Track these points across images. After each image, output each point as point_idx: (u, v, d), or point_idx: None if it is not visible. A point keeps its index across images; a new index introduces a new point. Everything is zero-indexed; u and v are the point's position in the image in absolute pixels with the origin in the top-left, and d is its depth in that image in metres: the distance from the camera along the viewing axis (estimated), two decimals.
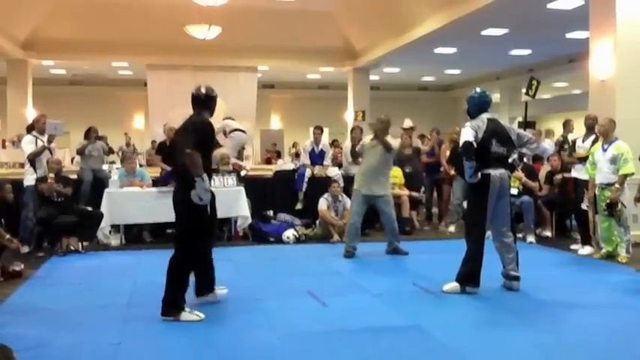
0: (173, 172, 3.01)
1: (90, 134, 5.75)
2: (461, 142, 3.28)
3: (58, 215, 4.56)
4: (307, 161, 6.05)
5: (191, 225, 2.83)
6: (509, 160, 3.38)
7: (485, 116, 3.30)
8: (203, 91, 2.99)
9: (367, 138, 4.61)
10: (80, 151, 5.59)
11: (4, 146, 9.58)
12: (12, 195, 4.32)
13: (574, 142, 4.81)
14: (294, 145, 11.11)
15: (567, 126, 5.97)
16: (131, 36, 9.60)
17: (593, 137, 4.50)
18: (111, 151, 5.95)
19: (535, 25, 7.99)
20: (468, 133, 3.20)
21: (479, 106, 3.34)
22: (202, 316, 2.81)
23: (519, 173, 5.00)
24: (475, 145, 3.17)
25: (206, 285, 3.07)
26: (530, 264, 3.60)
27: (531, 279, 3.43)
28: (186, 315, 2.80)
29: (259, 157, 12.56)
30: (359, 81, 11.53)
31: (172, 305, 2.80)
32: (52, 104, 11.17)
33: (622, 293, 3.46)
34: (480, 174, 3.22)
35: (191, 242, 2.85)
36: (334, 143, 8.42)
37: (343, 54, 11.03)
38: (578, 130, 5.76)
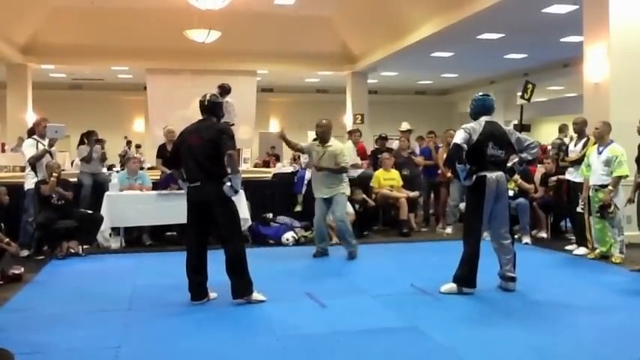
0: (193, 172, 3.18)
1: (90, 138, 5.77)
2: (451, 145, 3.32)
3: (57, 220, 4.57)
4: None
5: (235, 211, 3.16)
6: (509, 164, 3.41)
7: (483, 119, 3.33)
8: (208, 97, 3.21)
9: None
10: (89, 159, 5.51)
11: (3, 150, 9.58)
12: (7, 198, 4.32)
13: (567, 146, 4.88)
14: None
15: (564, 130, 6.04)
16: (131, 40, 9.65)
17: (584, 141, 4.56)
18: (103, 157, 5.91)
19: (530, 30, 8.08)
20: (459, 136, 3.23)
21: (479, 108, 3.37)
22: (266, 298, 3.12)
23: (515, 175, 5.05)
24: (466, 147, 3.20)
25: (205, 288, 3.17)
26: (525, 265, 3.64)
27: (527, 280, 3.48)
28: (255, 295, 3.11)
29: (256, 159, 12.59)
30: (357, 85, 11.61)
31: (248, 286, 3.08)
32: (52, 108, 11.16)
33: (616, 293, 3.51)
34: (475, 176, 3.25)
35: (240, 227, 3.21)
36: None
37: (341, 58, 11.11)
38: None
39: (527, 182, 5.26)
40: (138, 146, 10.87)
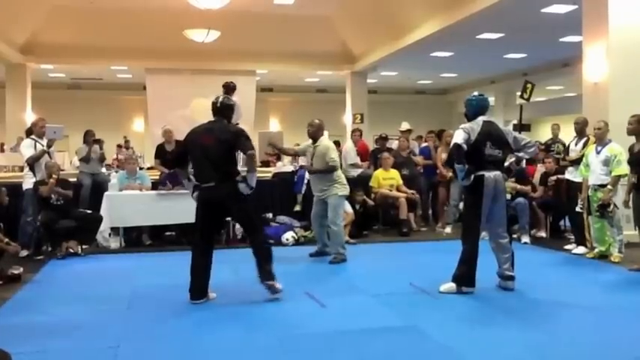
0: (207, 172, 3.20)
1: (87, 137, 5.77)
2: (451, 145, 3.33)
3: (58, 220, 4.57)
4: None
5: (250, 207, 3.26)
6: (506, 164, 3.41)
7: (481, 119, 3.34)
8: (220, 99, 3.27)
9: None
10: (87, 159, 5.54)
11: (2, 150, 9.57)
12: (7, 198, 4.31)
13: (568, 145, 4.88)
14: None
15: (554, 129, 6.08)
16: (130, 40, 9.65)
17: (584, 140, 4.57)
18: (102, 158, 5.94)
19: (529, 30, 8.09)
20: (458, 136, 3.24)
21: (476, 109, 3.38)
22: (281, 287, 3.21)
23: (513, 184, 5.02)
24: (465, 147, 3.21)
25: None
26: (525, 264, 3.65)
27: (526, 279, 3.48)
28: (277, 283, 3.19)
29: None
30: (357, 84, 11.62)
31: (272, 273, 3.18)
32: (51, 108, 11.18)
33: (615, 292, 3.53)
34: (473, 176, 3.26)
35: (259, 220, 3.26)
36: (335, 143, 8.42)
37: (341, 58, 11.11)
38: (566, 132, 5.86)
39: (523, 182, 5.26)
40: (119, 146, 10.83)
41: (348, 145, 6.50)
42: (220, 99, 3.26)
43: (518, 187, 5.11)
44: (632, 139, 4.07)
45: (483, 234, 3.52)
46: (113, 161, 8.84)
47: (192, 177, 3.27)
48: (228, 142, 3.12)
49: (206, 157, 3.12)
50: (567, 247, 4.76)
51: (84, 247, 4.71)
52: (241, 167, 3.39)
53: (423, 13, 8.03)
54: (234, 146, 3.15)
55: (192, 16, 8.25)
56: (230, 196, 3.11)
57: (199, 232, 3.20)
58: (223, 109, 3.23)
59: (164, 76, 10.34)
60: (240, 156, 3.46)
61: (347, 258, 4.29)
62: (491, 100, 13.23)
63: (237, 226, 5.18)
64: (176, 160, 3.49)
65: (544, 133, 12.39)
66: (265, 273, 3.17)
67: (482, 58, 10.45)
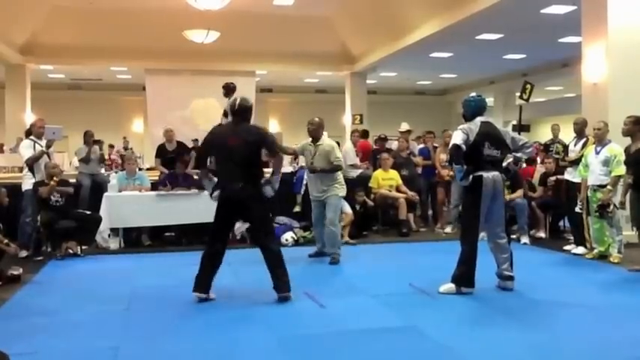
0: (227, 173, 3.22)
1: (87, 138, 5.79)
2: (449, 146, 3.34)
3: (58, 220, 4.57)
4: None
5: (267, 212, 3.31)
6: (504, 164, 3.43)
7: (479, 119, 3.35)
8: (239, 102, 3.27)
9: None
10: (87, 159, 5.58)
11: (2, 151, 9.58)
12: (6, 199, 4.31)
13: (567, 145, 4.89)
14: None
15: (554, 130, 6.09)
16: (130, 40, 9.66)
17: (583, 140, 4.58)
18: (102, 159, 5.98)
19: (529, 30, 8.11)
20: (457, 137, 3.25)
21: (474, 109, 3.39)
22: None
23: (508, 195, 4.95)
24: (464, 148, 3.22)
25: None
26: (524, 264, 3.65)
27: (525, 279, 3.48)
28: (290, 294, 3.20)
29: None
30: (356, 85, 11.64)
31: (287, 282, 3.16)
32: (51, 109, 11.19)
33: (614, 293, 3.53)
34: (471, 177, 3.27)
35: (272, 224, 3.36)
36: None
37: (340, 58, 11.13)
38: (566, 132, 5.87)
39: (517, 184, 5.21)
40: (111, 146, 10.86)
41: (348, 146, 6.51)
42: (238, 101, 3.26)
43: (507, 198, 5.03)
44: (630, 140, 4.07)
45: (482, 234, 3.52)
46: (106, 161, 8.88)
47: (211, 176, 3.30)
48: (256, 144, 3.18)
49: (231, 158, 3.14)
50: (566, 247, 4.76)
51: (83, 247, 4.71)
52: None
53: (423, 14, 8.04)
54: (260, 147, 3.20)
55: (191, 17, 8.27)
56: (254, 197, 3.14)
57: (217, 230, 3.22)
58: (242, 112, 3.24)
59: (164, 76, 10.35)
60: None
61: (340, 259, 4.31)
62: (491, 100, 13.29)
63: (237, 225, 5.20)
64: (200, 160, 3.53)
65: (544, 134, 12.42)
66: (282, 283, 3.15)
67: (481, 59, 10.47)
